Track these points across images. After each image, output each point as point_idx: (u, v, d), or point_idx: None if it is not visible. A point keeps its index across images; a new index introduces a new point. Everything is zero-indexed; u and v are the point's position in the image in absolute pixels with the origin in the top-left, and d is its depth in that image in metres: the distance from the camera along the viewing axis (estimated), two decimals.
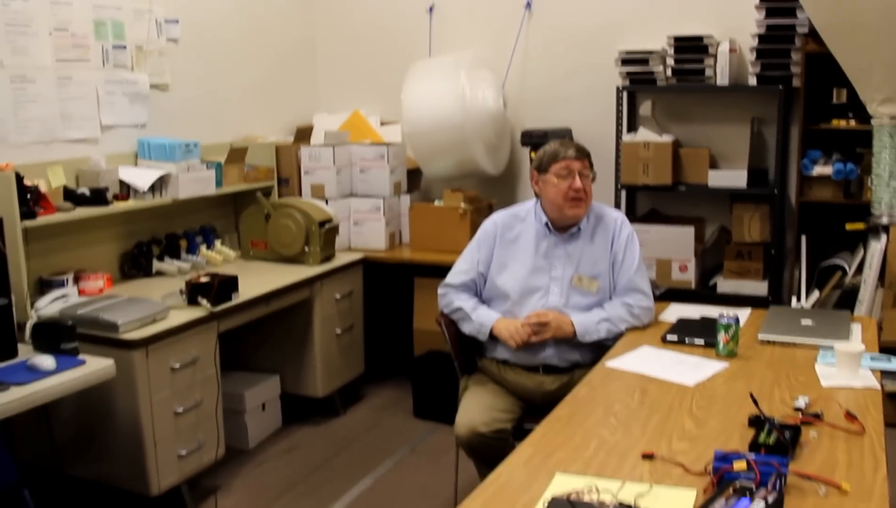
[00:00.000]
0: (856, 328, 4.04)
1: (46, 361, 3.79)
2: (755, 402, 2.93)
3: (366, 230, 6.30)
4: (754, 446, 2.72)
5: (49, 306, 4.47)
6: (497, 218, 4.32)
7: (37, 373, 3.74)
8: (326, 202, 6.11)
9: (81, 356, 3.99)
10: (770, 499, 2.33)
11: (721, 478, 2.50)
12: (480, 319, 4.15)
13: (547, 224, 4.19)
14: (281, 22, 6.92)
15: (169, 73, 5.83)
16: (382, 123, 7.04)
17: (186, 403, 4.55)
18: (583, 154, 4.14)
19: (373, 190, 6.34)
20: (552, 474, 2.63)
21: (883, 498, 2.45)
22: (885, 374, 3.59)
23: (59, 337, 4.01)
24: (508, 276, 4.19)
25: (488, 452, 3.86)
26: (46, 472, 4.55)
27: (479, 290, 4.29)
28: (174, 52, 5.86)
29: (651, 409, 3.17)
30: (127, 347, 4.22)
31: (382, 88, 6.97)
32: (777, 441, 2.71)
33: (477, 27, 6.77)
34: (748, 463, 2.49)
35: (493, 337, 4.13)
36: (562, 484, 2.55)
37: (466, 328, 4.21)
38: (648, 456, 2.75)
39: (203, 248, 5.72)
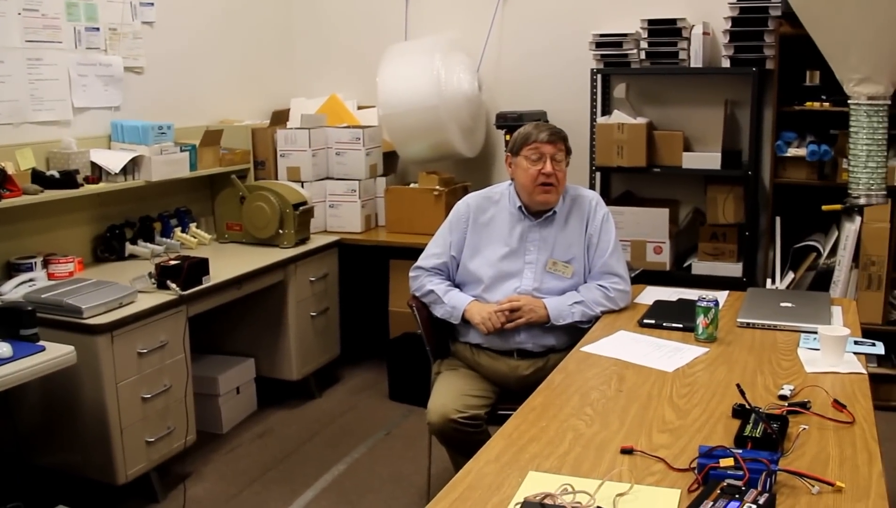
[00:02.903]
0: (836, 311, 3.79)
1: (2, 348, 3.45)
2: (742, 393, 2.63)
3: (341, 213, 6.02)
4: (740, 439, 2.43)
5: (14, 290, 4.19)
6: (470, 200, 4.04)
7: None
8: (302, 185, 5.82)
9: (42, 343, 3.66)
10: (761, 501, 2.04)
11: (706, 476, 2.21)
12: (453, 302, 3.87)
13: (521, 208, 3.90)
14: (258, 6, 6.58)
15: (144, 56, 5.48)
16: (360, 107, 6.73)
17: (154, 388, 4.24)
18: (557, 137, 3.84)
19: (349, 173, 6.06)
20: (525, 472, 2.33)
21: (881, 497, 2.16)
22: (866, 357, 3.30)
23: (19, 323, 3.67)
24: (481, 260, 3.91)
25: (462, 439, 3.59)
26: (9, 461, 4.22)
27: (451, 274, 4.00)
28: (149, 35, 5.52)
29: (629, 398, 2.88)
30: (91, 332, 3.92)
31: (360, 72, 6.66)
32: (765, 434, 2.41)
33: (452, 11, 6.48)
34: (736, 460, 2.20)
35: (465, 321, 3.84)
36: (535, 484, 2.24)
37: (439, 312, 3.93)
38: (627, 451, 2.45)
39: (178, 231, 5.39)
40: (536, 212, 3.90)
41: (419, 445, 4.73)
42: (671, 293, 4.10)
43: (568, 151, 3.91)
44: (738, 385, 2.67)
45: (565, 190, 3.95)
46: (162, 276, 4.38)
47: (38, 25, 4.76)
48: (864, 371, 3.05)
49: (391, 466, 4.73)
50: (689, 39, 5.56)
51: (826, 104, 5.27)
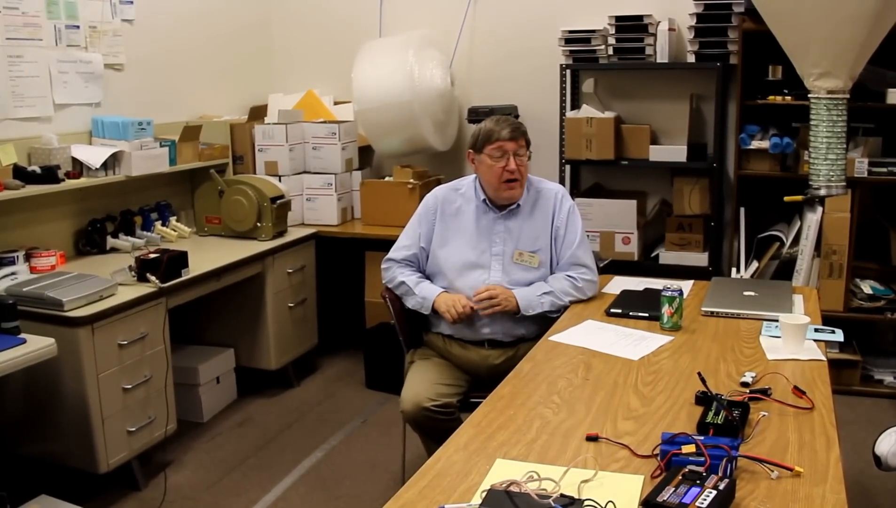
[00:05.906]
0: (797, 299, 3.79)
1: None
2: (703, 381, 2.62)
3: (318, 206, 5.98)
4: (702, 426, 2.43)
5: None
6: (438, 192, 4.02)
7: None
8: (279, 179, 5.78)
9: (23, 335, 3.63)
10: (721, 486, 2.03)
11: (669, 462, 2.20)
12: (423, 293, 3.85)
13: (485, 201, 3.89)
14: (236, 3, 6.53)
15: (124, 53, 5.44)
16: (336, 103, 6.69)
17: (135, 379, 4.22)
18: (518, 134, 3.80)
19: (325, 167, 6.02)
20: (493, 459, 2.32)
21: (837, 480, 2.16)
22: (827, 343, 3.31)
23: (1, 316, 3.64)
24: (449, 251, 3.89)
25: (434, 426, 3.57)
26: None
27: (421, 264, 3.99)
28: (129, 32, 5.47)
29: (595, 386, 2.87)
30: (72, 324, 3.90)
31: (336, 68, 6.60)
32: (726, 421, 2.41)
33: (425, 8, 6.45)
34: (697, 447, 2.19)
35: (436, 312, 3.82)
36: (502, 471, 2.23)
37: (410, 303, 3.91)
38: (593, 438, 2.44)
39: (158, 224, 5.35)
40: (501, 205, 3.88)
41: (395, 432, 4.70)
42: (638, 283, 4.09)
43: (528, 144, 3.89)
44: (699, 374, 2.67)
45: (529, 182, 3.93)
46: (142, 269, 4.35)
47: (18, 23, 4.71)
48: (823, 358, 3.05)
49: (367, 453, 4.72)
50: (655, 35, 5.57)
51: (788, 98, 5.28)
